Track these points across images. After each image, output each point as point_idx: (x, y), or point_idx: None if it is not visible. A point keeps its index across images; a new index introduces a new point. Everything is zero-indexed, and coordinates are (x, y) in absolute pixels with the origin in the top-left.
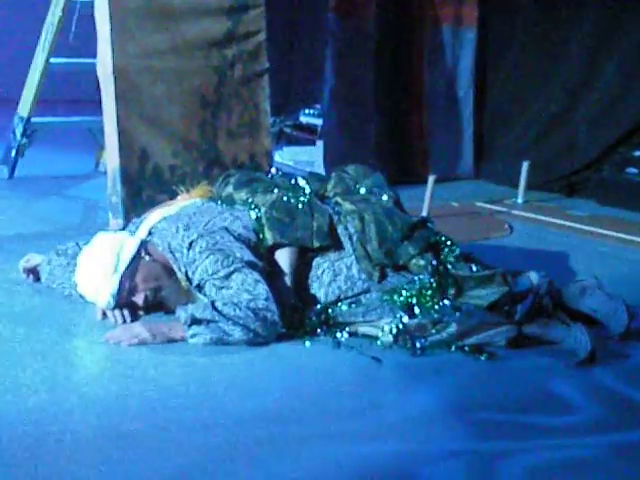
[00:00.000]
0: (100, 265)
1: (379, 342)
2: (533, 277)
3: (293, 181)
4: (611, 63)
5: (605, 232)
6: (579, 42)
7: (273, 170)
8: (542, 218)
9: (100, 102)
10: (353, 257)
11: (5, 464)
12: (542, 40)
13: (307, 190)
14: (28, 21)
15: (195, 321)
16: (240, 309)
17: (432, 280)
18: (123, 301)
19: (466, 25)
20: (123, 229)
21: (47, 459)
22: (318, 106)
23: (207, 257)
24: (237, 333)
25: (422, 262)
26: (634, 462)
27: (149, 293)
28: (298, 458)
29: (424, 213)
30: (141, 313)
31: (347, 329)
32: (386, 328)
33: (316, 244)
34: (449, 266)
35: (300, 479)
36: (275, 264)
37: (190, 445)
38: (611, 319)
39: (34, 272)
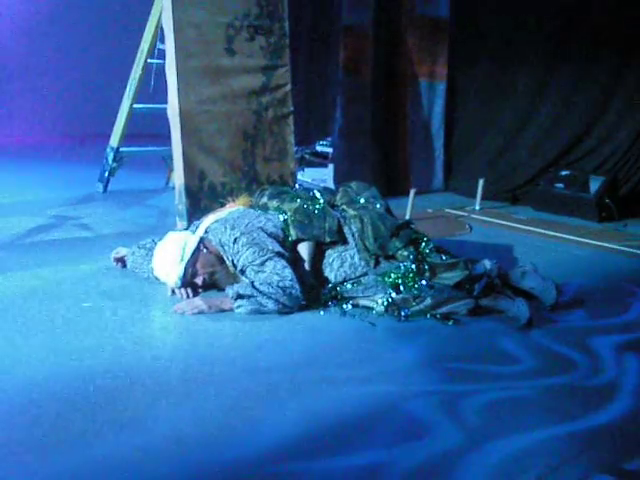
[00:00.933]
0: (170, 255)
1: (374, 311)
2: (487, 264)
3: (311, 194)
4: (544, 107)
5: (540, 231)
6: (521, 91)
7: (297, 185)
8: (493, 220)
9: (170, 136)
10: (355, 249)
11: (94, 406)
12: (493, 90)
13: (321, 200)
14: (117, 77)
15: (239, 296)
16: (272, 287)
17: (413, 266)
18: (187, 282)
19: (438, 80)
20: (187, 229)
21: (127, 400)
22: (329, 139)
23: (247, 249)
24: (270, 305)
25: (406, 253)
26: (560, 399)
27: (206, 276)
28: (311, 396)
29: (407, 217)
30: (200, 291)
31: (350, 302)
32: (379, 301)
33: (328, 239)
34: (425, 255)
35: (312, 412)
36: (298, 254)
37: (235, 386)
38: (544, 294)
39: (122, 261)
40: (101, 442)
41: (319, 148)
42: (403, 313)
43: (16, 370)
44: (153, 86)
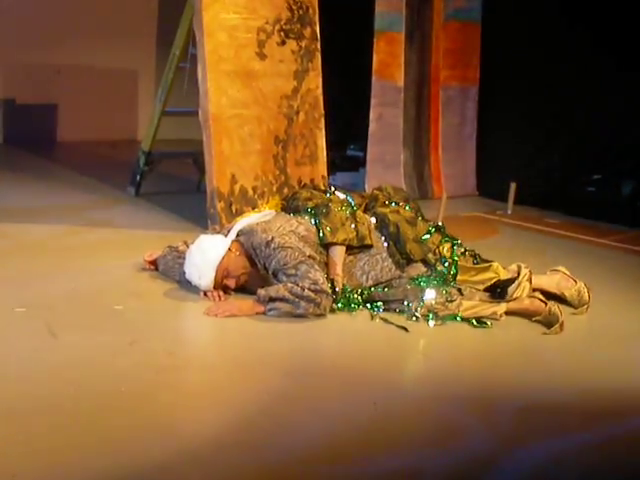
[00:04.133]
0: (202, 259)
1: (405, 315)
2: (518, 267)
3: (342, 197)
4: (577, 110)
5: (571, 234)
6: (553, 95)
7: (328, 189)
8: (525, 224)
9: (201, 140)
10: (386, 252)
11: (127, 408)
12: (526, 94)
13: (352, 204)
14: (146, 82)
15: (271, 299)
16: (304, 290)
17: (444, 270)
18: (218, 285)
19: (470, 84)
20: (218, 232)
21: (160, 402)
22: (360, 143)
23: (279, 252)
24: (302, 308)
25: (437, 256)
26: (595, 402)
27: (237, 279)
28: (343, 400)
29: (439, 220)
30: (232, 293)
31: (382, 305)
32: (411, 305)
33: (358, 243)
34: (456, 259)
35: (344, 416)
36: (329, 257)
37: (269, 389)
38: (576, 298)
39: (154, 263)
40: (138, 445)
41: (350, 152)
42: (434, 317)
43: (48, 371)
44: (186, 90)
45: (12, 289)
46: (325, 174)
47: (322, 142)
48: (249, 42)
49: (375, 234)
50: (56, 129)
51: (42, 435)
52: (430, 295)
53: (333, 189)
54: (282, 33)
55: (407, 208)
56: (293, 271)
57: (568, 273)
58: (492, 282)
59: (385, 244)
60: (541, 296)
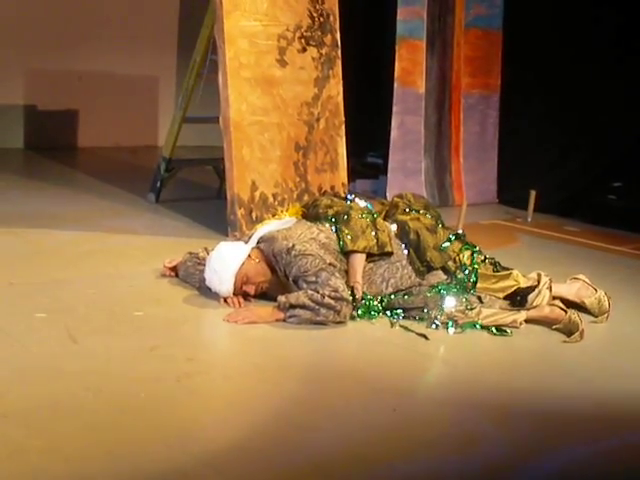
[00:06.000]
0: (222, 265)
1: (425, 323)
2: (538, 275)
3: (363, 205)
4: (598, 117)
5: (591, 242)
6: (573, 104)
7: (349, 196)
8: (545, 232)
9: (222, 146)
10: (406, 260)
11: (147, 413)
12: (546, 102)
13: (373, 211)
14: (167, 88)
15: (291, 306)
16: (324, 298)
17: (464, 277)
18: (238, 291)
19: (491, 91)
20: (239, 239)
21: (180, 407)
22: (380, 150)
23: (300, 260)
24: (322, 315)
25: (457, 264)
26: (614, 411)
27: (257, 286)
28: (362, 406)
29: (459, 228)
30: (251, 300)
31: (401, 313)
32: (430, 312)
33: (379, 251)
34: (476, 267)
35: (363, 422)
36: (349, 265)
37: (288, 394)
38: (596, 306)
39: (174, 270)
40: (156, 450)
41: (370, 160)
42: (454, 325)
43: (68, 376)
44: (200, 96)
45: (32, 294)
46: (345, 181)
47: (342, 149)
48: (270, 49)
49: (395, 241)
50: (77, 135)
51: (61, 440)
52: (450, 303)
53: (353, 196)
54: (303, 40)
55: (427, 216)
56: (313, 278)
57: (588, 281)
58: (512, 290)
59: (405, 251)
60: (561, 304)
